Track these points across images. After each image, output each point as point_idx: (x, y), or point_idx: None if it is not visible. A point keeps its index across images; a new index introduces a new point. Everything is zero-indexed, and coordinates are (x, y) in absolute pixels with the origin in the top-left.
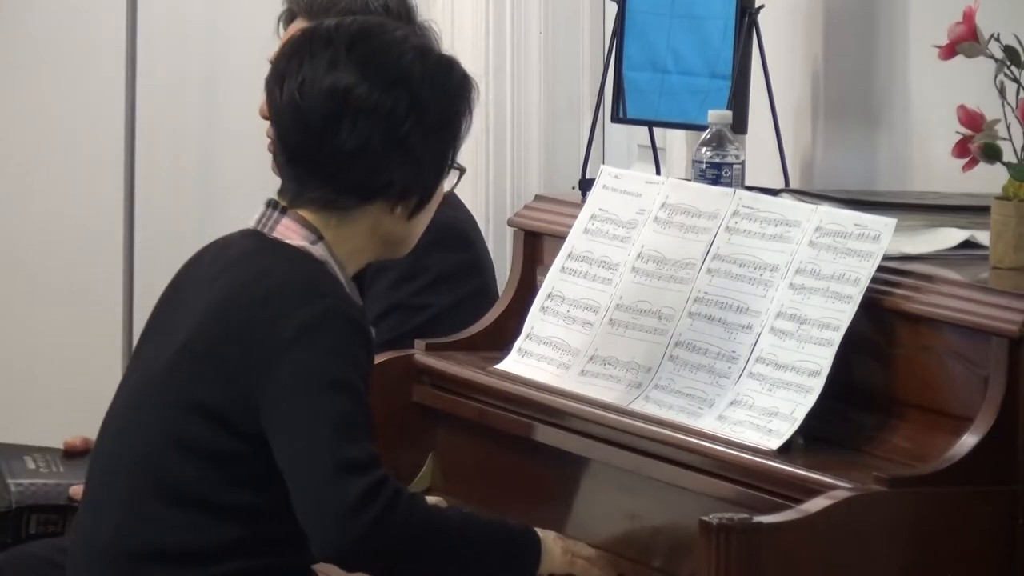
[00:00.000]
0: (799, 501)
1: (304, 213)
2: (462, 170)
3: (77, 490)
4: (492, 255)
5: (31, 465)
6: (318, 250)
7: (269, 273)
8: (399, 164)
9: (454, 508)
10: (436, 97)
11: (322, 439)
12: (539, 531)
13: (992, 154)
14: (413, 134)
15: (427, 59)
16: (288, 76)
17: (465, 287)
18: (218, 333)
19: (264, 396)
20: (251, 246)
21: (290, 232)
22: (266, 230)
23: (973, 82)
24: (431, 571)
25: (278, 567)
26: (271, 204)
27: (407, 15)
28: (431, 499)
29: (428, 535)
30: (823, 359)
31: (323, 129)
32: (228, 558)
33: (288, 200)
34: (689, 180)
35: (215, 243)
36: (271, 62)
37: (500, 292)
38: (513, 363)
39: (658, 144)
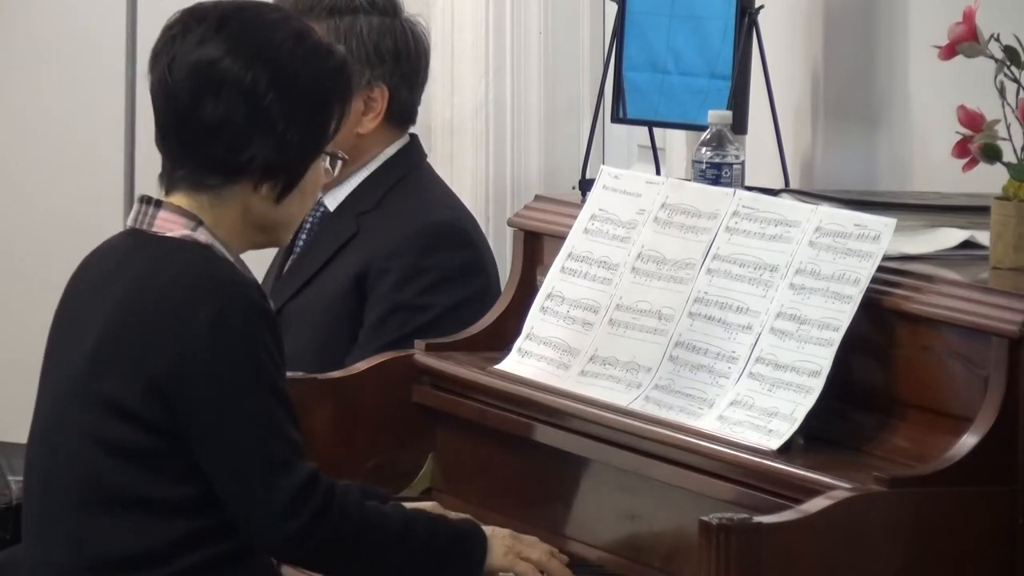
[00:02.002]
0: (799, 501)
1: (178, 200)
2: (342, 158)
3: None
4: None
5: None
6: (202, 235)
7: (161, 269)
8: (261, 140)
9: (397, 506)
10: (304, 77)
11: (247, 441)
12: (487, 529)
13: (992, 154)
14: (275, 110)
15: (302, 41)
16: (161, 55)
17: (468, 287)
18: (123, 334)
19: (179, 397)
20: (134, 244)
21: (169, 223)
22: (144, 226)
23: (973, 82)
24: (370, 566)
25: (235, 552)
26: (144, 200)
27: (393, 10)
28: (428, 503)
29: (365, 530)
30: (823, 359)
31: (189, 104)
32: (184, 552)
33: (164, 181)
34: (689, 180)
35: (97, 249)
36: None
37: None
38: (513, 363)
39: (658, 144)
